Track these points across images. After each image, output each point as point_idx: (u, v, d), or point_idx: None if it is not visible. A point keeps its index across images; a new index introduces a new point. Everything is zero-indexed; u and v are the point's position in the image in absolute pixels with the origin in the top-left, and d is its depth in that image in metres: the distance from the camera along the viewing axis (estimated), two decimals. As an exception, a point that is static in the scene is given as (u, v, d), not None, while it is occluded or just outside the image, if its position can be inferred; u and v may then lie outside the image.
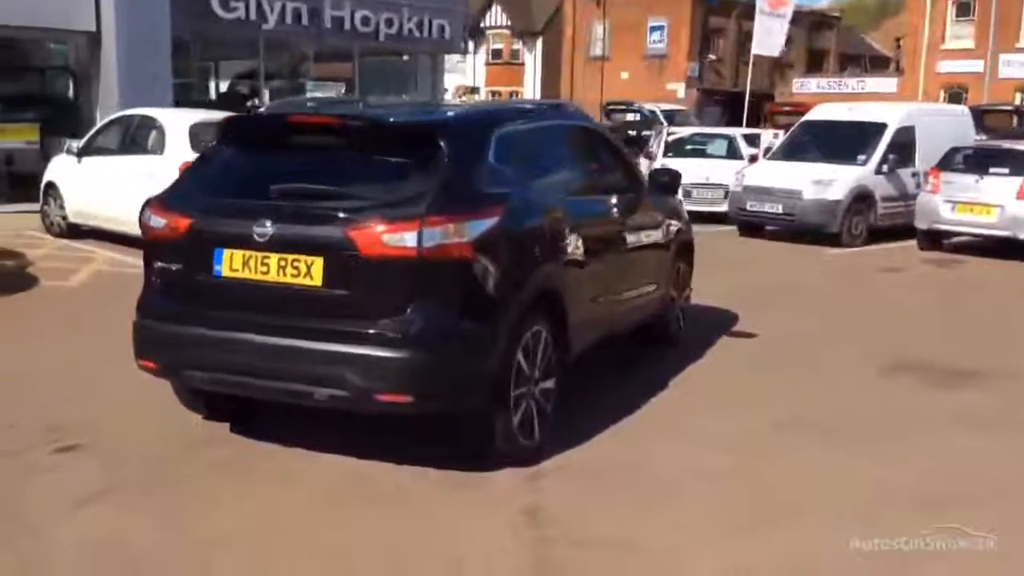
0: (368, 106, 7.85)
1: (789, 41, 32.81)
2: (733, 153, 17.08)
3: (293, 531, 4.00)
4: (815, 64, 48.13)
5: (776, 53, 28.65)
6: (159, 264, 4.72)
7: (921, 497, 4.48)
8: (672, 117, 26.80)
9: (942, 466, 4.91)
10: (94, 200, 11.39)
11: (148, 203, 4.84)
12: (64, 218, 11.95)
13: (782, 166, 14.41)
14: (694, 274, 7.54)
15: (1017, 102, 30.66)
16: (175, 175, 5.91)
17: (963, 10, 36.49)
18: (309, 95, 18.94)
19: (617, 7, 40.87)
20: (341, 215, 4.33)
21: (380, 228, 4.21)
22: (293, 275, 4.33)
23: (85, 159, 11.78)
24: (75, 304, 8.50)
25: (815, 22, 49.27)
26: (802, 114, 17.41)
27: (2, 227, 12.14)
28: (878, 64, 52.32)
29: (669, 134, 18.87)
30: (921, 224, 13.17)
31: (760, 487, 4.59)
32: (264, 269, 4.37)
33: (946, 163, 13.09)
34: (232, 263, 4.44)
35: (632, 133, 24.30)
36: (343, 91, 20.50)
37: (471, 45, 33.38)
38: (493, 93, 47.10)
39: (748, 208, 14.16)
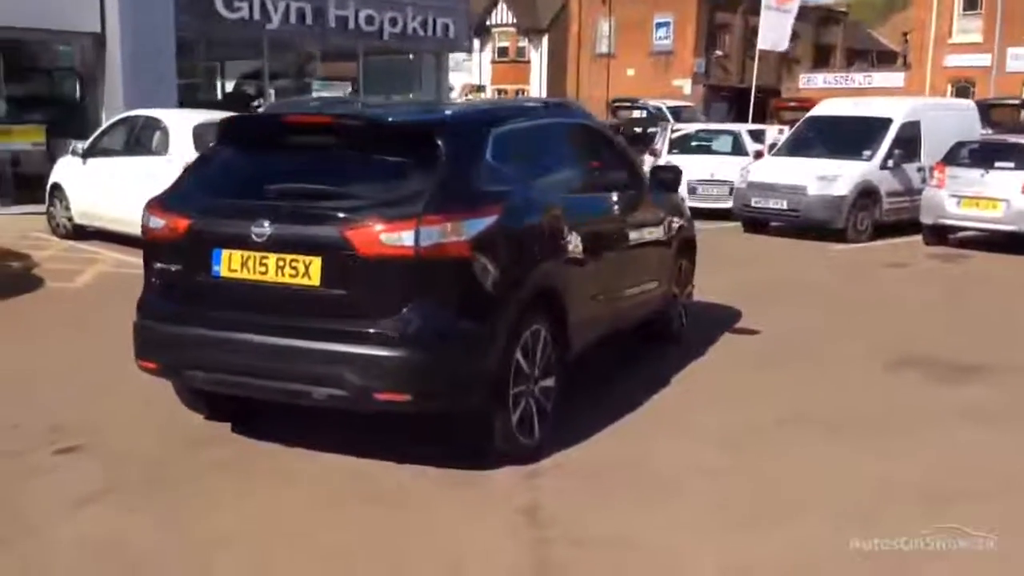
0: (366, 105, 7.86)
1: (795, 36, 32.78)
2: (738, 149, 17.02)
3: (293, 531, 4.01)
4: (822, 59, 47.99)
5: (782, 48, 28.53)
6: (159, 265, 4.73)
7: (926, 492, 4.46)
8: (679, 113, 26.68)
9: (947, 461, 4.90)
10: (99, 201, 11.41)
11: (147, 204, 4.84)
12: (70, 219, 11.97)
13: (787, 162, 14.35)
14: (697, 271, 7.53)
15: (1024, 96, 30.53)
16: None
17: (970, 4, 36.31)
18: (315, 95, 18.97)
19: (623, 4, 40.70)
20: (339, 215, 4.33)
21: (377, 227, 4.21)
22: (291, 275, 4.33)
23: (90, 160, 11.81)
24: (80, 305, 8.52)
25: (822, 17, 49.09)
26: (807, 110, 17.33)
27: (8, 229, 12.21)
28: (885, 59, 52.06)
29: (674, 130, 18.81)
30: (926, 219, 13.12)
31: (762, 484, 4.57)
32: (263, 269, 4.38)
33: (951, 158, 13.03)
34: (231, 263, 4.45)
35: (638, 130, 24.26)
36: (350, 91, 20.53)
37: (477, 43, 33.38)
38: (499, 91, 47.04)
39: (753, 204, 14.11)
